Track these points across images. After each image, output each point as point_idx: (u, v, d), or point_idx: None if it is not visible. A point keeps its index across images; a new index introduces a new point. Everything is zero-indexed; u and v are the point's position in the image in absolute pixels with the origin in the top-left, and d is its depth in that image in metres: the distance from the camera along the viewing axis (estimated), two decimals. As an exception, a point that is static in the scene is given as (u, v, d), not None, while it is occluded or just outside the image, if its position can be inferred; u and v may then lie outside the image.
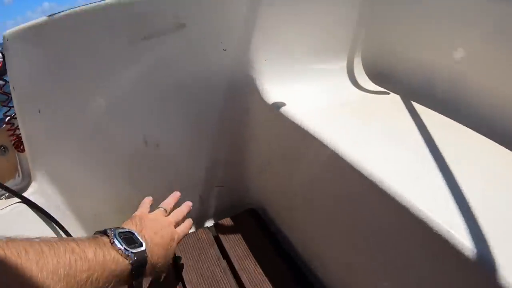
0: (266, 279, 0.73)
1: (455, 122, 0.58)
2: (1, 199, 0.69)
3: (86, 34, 0.66)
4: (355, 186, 0.50)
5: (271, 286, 0.71)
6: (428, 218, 0.37)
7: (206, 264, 0.76)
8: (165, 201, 0.70)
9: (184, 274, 0.75)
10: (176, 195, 0.70)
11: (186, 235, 0.66)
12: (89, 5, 0.65)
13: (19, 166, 0.76)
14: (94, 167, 0.75)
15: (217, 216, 0.90)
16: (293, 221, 0.78)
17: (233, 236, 0.83)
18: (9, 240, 0.28)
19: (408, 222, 0.39)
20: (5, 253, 0.25)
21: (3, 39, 0.64)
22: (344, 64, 0.74)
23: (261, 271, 0.74)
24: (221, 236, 0.83)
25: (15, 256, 0.25)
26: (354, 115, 0.64)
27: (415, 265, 0.43)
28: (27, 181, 0.75)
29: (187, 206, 0.69)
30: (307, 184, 0.67)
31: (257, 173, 0.85)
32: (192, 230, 0.86)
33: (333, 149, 0.53)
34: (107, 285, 0.35)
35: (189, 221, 0.68)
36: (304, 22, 0.72)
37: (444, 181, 0.43)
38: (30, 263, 0.25)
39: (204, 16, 0.70)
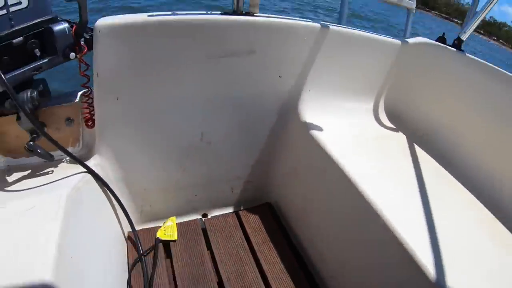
0: (278, 261, 0.92)
1: (445, 170, 0.87)
2: (64, 162, 0.80)
3: (172, 42, 0.76)
4: (359, 208, 0.73)
5: (281, 267, 0.90)
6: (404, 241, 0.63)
7: (233, 244, 0.94)
8: None
9: (214, 249, 0.91)
10: None
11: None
12: (182, 16, 0.74)
13: (81, 138, 0.85)
14: (152, 151, 0.87)
15: (242, 205, 1.07)
16: (303, 220, 0.96)
17: (253, 223, 1.01)
18: None
19: (390, 241, 0.66)
20: None
21: (94, 29, 0.71)
22: (370, 106, 1.00)
23: (274, 254, 0.93)
24: (244, 222, 1.00)
25: None
26: (368, 149, 0.89)
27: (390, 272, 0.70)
28: (85, 151, 0.86)
29: None
30: (322, 194, 0.87)
31: (281, 175, 1.02)
32: (222, 212, 1.02)
33: (348, 176, 0.76)
34: None
35: None
36: (350, 69, 0.94)
37: (425, 217, 0.70)
38: None
39: (271, 46, 0.82)
